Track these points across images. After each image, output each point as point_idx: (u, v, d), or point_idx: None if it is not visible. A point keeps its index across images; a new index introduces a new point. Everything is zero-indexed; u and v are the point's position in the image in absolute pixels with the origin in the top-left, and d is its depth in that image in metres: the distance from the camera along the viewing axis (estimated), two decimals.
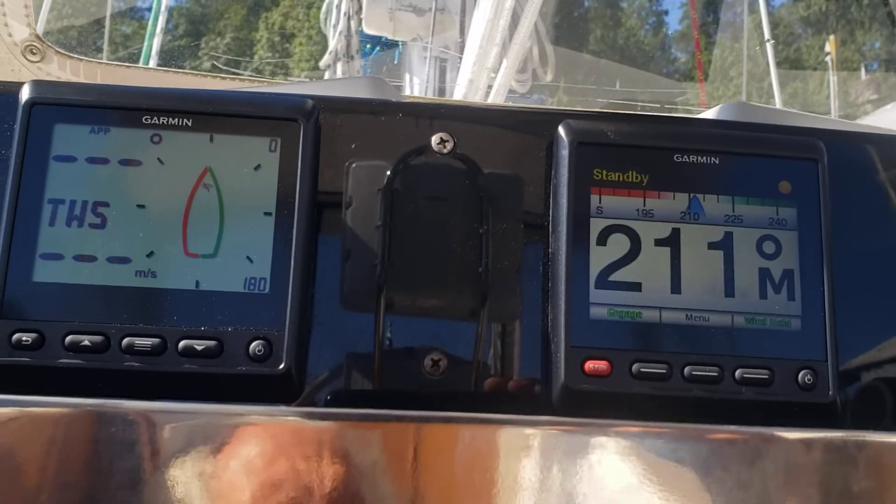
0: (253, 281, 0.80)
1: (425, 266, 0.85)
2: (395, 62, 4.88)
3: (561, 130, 0.87)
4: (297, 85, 1.01)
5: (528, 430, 0.79)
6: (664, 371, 0.81)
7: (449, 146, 0.87)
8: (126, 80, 1.42)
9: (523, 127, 0.90)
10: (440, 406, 0.82)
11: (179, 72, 1.45)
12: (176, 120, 0.82)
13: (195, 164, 0.82)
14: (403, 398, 0.83)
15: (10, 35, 1.35)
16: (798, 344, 0.83)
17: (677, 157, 0.86)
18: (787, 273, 0.84)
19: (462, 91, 3.01)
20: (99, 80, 1.40)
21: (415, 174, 0.87)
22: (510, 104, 1.48)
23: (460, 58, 3.85)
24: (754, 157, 0.87)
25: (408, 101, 0.92)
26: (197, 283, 0.79)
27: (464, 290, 0.85)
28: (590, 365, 0.80)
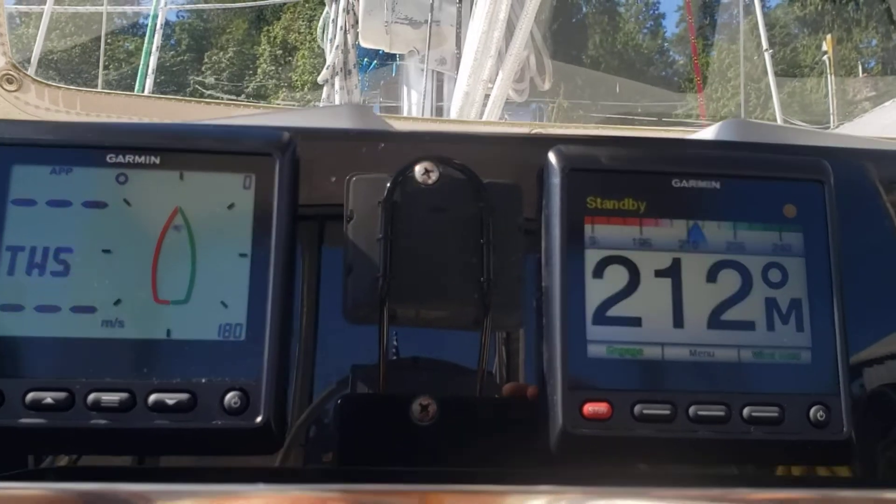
0: (228, 327, 0.75)
1: (425, 282, 0.80)
2: (393, 75, 4.83)
3: (551, 157, 0.82)
4: (275, 115, 0.97)
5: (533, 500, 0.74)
6: (668, 412, 0.75)
7: (434, 176, 0.82)
8: (107, 107, 1.37)
9: (512, 154, 0.85)
10: (430, 456, 0.77)
11: (162, 98, 1.41)
12: (143, 158, 0.77)
13: (164, 204, 0.77)
14: (391, 449, 0.78)
15: None
16: (809, 378, 0.78)
17: (676, 182, 0.81)
18: (795, 302, 0.79)
19: (458, 103, 2.97)
20: (78, 109, 1.36)
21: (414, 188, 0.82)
22: (498, 130, 1.44)
23: (457, 70, 3.82)
24: (757, 180, 0.82)
25: (390, 129, 0.87)
26: (168, 332, 0.74)
27: (465, 306, 0.80)
28: (589, 408, 0.75)
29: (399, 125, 1.35)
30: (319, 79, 4.46)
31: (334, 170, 0.83)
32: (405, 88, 4.55)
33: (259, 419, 0.72)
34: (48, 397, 0.71)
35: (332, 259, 0.82)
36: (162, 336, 0.74)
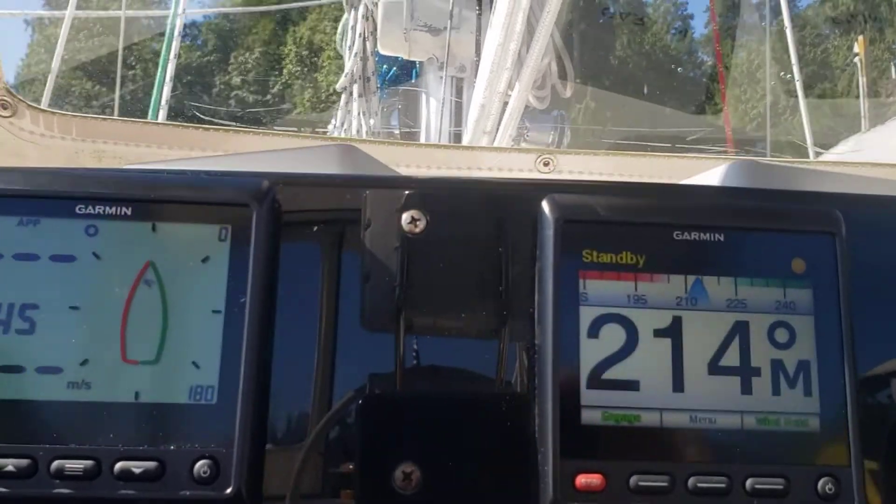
0: (199, 390, 0.71)
1: (443, 291, 0.77)
2: (413, 81, 4.80)
3: (545, 206, 0.77)
4: (259, 157, 0.93)
5: None
6: (666, 484, 0.71)
7: (421, 225, 0.78)
8: (102, 133, 1.34)
9: (505, 201, 0.81)
10: None
11: (160, 124, 1.38)
12: (113, 209, 0.74)
13: (135, 257, 0.73)
14: None
15: None
16: (817, 447, 0.73)
17: (677, 235, 0.76)
18: (803, 364, 0.74)
19: (474, 115, 2.92)
20: (74, 134, 1.33)
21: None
22: (504, 157, 1.39)
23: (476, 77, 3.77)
24: (764, 233, 0.77)
25: (377, 174, 0.83)
26: (136, 395, 0.71)
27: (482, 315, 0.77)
28: (581, 479, 0.71)
29: (389, 155, 1.31)
30: (338, 86, 4.44)
31: (316, 217, 0.79)
32: (424, 96, 4.51)
33: (229, 490, 0.68)
34: (9, 465, 0.68)
35: (309, 316, 0.77)
36: (130, 399, 0.70)
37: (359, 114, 4.28)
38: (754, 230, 0.77)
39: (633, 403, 0.73)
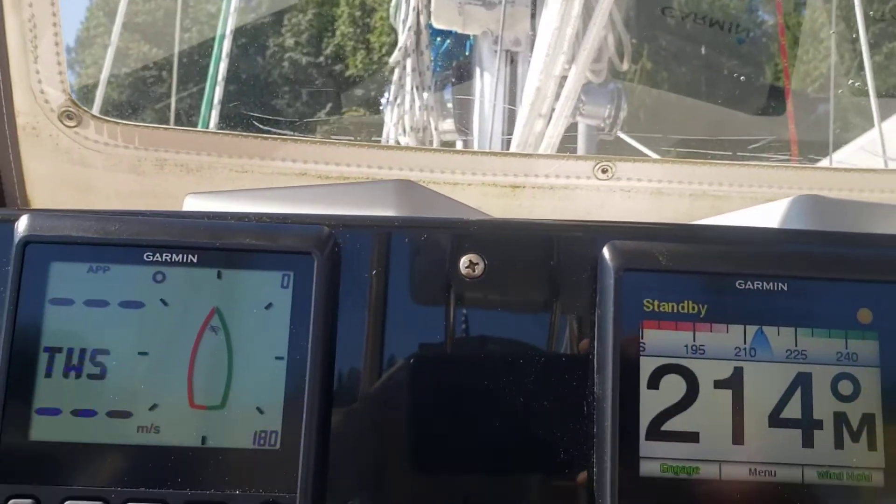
0: (263, 435, 0.73)
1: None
2: (467, 54, 4.76)
3: (605, 253, 0.77)
4: (316, 194, 0.93)
5: None
6: None
7: (479, 269, 0.79)
8: (163, 142, 1.37)
9: (565, 245, 0.80)
10: None
11: (220, 133, 1.39)
12: (180, 256, 0.75)
13: (202, 304, 0.75)
14: None
15: (46, 101, 1.31)
16: (881, 502, 0.72)
17: (740, 284, 0.76)
18: (868, 418, 0.73)
19: (530, 98, 2.90)
20: (136, 144, 1.36)
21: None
22: (561, 164, 1.38)
23: (531, 51, 3.73)
24: (829, 281, 0.75)
25: (434, 217, 0.83)
26: (203, 439, 0.73)
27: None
28: None
29: (444, 163, 1.30)
30: (391, 60, 4.42)
31: (373, 260, 0.80)
32: (478, 69, 4.48)
33: None
34: None
35: (368, 361, 0.78)
36: (197, 444, 0.73)
37: (412, 88, 4.27)
38: (820, 279, 0.75)
39: (693, 455, 0.73)
